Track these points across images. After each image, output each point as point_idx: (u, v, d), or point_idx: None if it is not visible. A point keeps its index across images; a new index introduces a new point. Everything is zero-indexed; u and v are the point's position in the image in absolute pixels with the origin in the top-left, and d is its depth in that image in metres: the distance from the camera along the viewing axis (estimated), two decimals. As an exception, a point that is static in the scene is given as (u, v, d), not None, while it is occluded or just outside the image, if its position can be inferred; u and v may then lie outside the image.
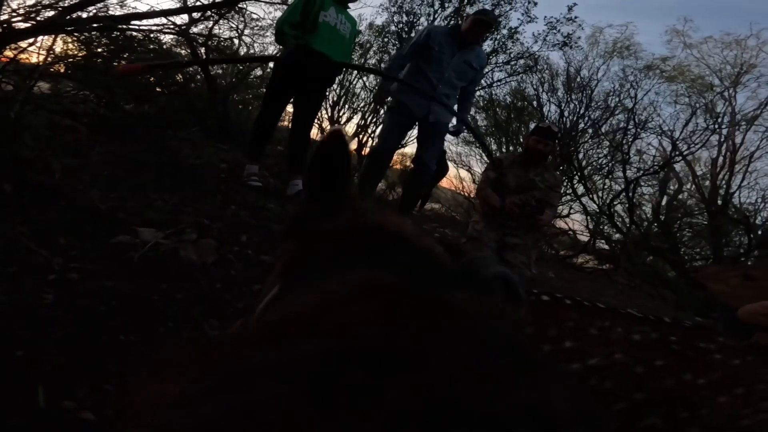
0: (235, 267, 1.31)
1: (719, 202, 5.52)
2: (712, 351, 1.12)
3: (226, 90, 5.07)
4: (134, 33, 3.58)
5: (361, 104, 6.60)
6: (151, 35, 3.78)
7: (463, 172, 8.17)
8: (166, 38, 4.47)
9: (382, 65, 5.98)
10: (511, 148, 6.74)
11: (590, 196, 5.89)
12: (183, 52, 4.88)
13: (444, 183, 8.51)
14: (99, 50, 3.29)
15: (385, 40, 6.09)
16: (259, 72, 6.04)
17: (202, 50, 4.55)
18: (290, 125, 3.06)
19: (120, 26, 2.94)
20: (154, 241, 1.27)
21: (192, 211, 1.68)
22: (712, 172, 5.72)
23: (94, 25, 2.62)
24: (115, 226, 1.37)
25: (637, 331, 1.05)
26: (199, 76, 4.87)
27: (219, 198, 2.06)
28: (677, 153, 5.65)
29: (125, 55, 3.44)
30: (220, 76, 5.50)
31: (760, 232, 5.48)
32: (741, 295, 1.31)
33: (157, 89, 4.35)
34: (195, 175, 2.42)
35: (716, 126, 5.71)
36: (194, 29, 4.39)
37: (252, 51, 5.79)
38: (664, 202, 5.81)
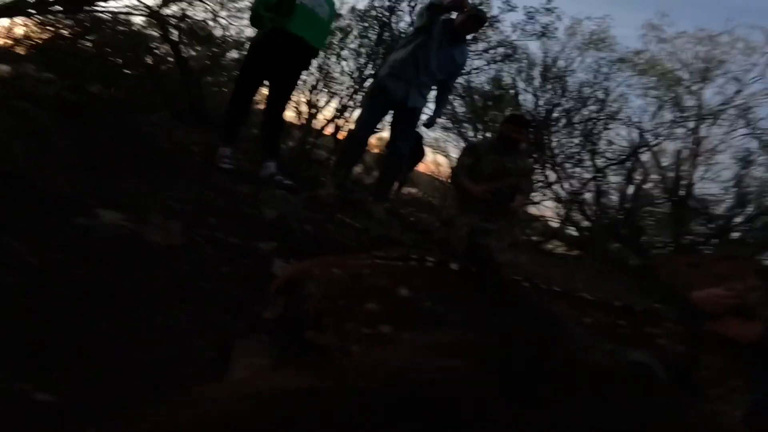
0: (203, 250, 1.31)
1: (682, 192, 5.79)
2: (657, 336, 1.20)
3: (199, 72, 4.92)
4: (101, 15, 3.43)
5: (341, 88, 6.51)
6: (120, 17, 3.62)
7: (440, 157, 8.24)
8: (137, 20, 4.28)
9: (362, 50, 5.92)
10: (488, 134, 6.83)
11: (561, 183, 6.08)
12: (154, 33, 4.70)
13: (421, 168, 8.59)
14: (63, 32, 3.13)
15: (366, 24, 5.99)
16: (234, 54, 5.87)
17: (175, 32, 4.40)
18: (264, 108, 3.02)
19: (85, 9, 2.80)
20: (117, 225, 1.25)
21: (160, 195, 1.65)
22: (676, 163, 5.99)
23: (57, 7, 2.49)
24: (79, 211, 1.34)
25: (589, 314, 1.12)
26: (170, 58, 4.70)
27: (189, 181, 2.03)
28: (644, 144, 5.88)
29: (91, 37, 3.30)
30: (194, 58, 5.32)
31: (720, 222, 5.79)
32: (689, 282, 1.37)
33: (126, 71, 4.18)
34: (166, 159, 2.38)
35: (682, 119, 5.96)
36: (166, 11, 4.22)
37: (229, 34, 5.62)
38: (630, 191, 6.06)
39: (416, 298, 0.92)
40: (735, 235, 5.87)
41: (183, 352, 0.86)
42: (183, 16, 4.43)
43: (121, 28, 3.92)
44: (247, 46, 3.89)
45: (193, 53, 5.35)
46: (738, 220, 5.88)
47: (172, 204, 1.64)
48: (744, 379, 1.09)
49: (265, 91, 3.14)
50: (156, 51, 4.78)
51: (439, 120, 2.61)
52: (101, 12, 3.23)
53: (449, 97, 3.21)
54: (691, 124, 6.17)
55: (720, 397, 1.06)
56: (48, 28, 3.00)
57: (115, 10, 3.41)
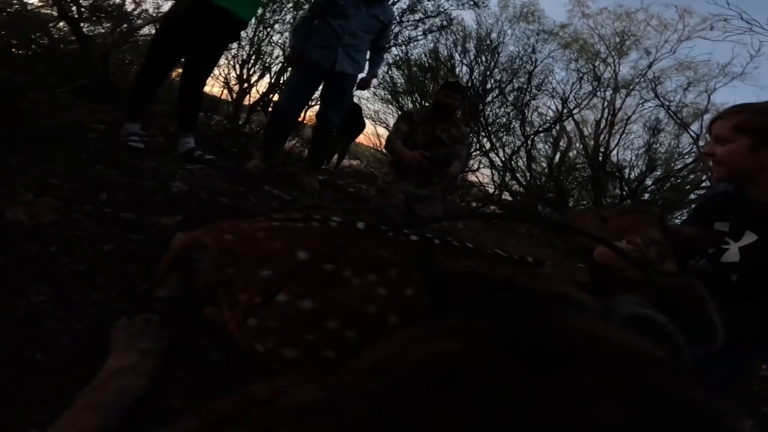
0: (81, 227, 1.13)
1: (600, 158, 6.26)
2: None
3: (107, 48, 4.43)
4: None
5: (274, 62, 6.16)
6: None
7: (381, 129, 8.19)
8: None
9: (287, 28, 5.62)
10: (426, 103, 6.86)
11: (496, 151, 6.31)
12: (53, 13, 4.17)
13: (362, 140, 8.48)
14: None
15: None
16: (151, 30, 5.31)
17: (74, 8, 3.88)
18: (181, 79, 2.73)
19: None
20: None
21: (35, 172, 1.42)
22: (595, 132, 6.44)
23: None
24: None
25: (499, 269, 1.12)
26: (72, 37, 4.22)
27: (80, 158, 1.78)
28: (566, 113, 6.25)
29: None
30: (101, 35, 4.77)
31: (634, 185, 6.37)
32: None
33: (19, 51, 3.81)
34: (53, 136, 2.08)
35: (599, 90, 6.41)
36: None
37: (142, 8, 5.13)
38: (556, 158, 6.45)
39: (316, 261, 0.85)
40: (646, 196, 6.50)
41: (31, 337, 0.72)
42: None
43: (11, 9, 3.46)
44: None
45: (102, 30, 4.92)
46: (648, 182, 6.51)
47: (52, 181, 1.43)
48: None
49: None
50: (53, 30, 4.37)
51: (374, 81, 2.53)
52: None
53: (383, 55, 3.12)
54: (608, 95, 6.64)
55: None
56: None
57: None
